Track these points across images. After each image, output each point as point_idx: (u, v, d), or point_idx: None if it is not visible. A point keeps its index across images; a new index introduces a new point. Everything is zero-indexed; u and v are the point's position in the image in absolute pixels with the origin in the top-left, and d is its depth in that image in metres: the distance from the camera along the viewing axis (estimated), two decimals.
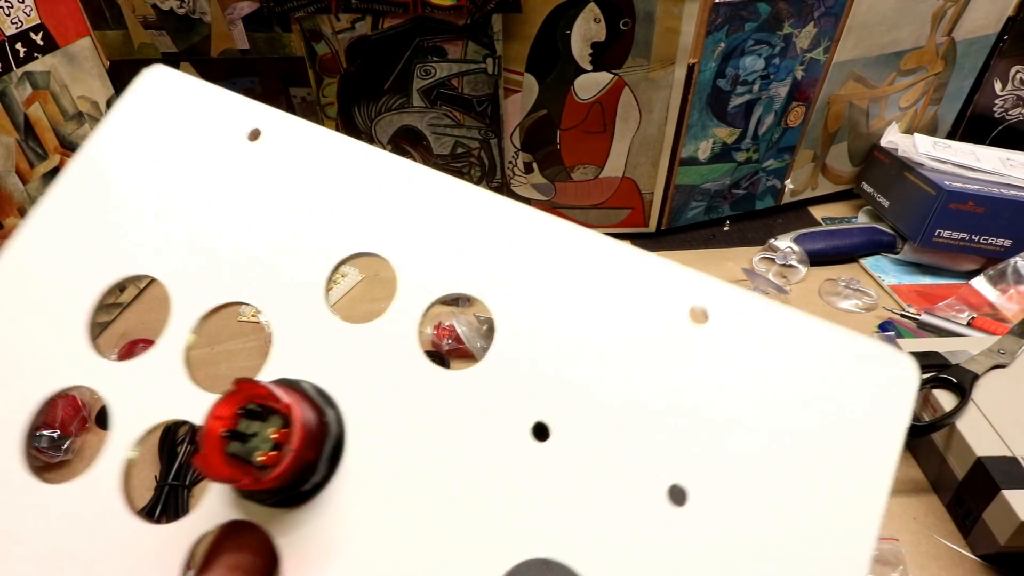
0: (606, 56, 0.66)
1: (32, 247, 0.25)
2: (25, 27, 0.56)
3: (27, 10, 0.57)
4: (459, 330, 0.59)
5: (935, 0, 0.70)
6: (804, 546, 0.19)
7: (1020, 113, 0.82)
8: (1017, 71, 0.79)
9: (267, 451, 0.18)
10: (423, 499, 0.20)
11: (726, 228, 0.82)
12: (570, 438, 0.20)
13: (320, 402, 0.21)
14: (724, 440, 0.20)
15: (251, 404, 0.18)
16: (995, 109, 0.83)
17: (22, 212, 0.56)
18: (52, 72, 0.59)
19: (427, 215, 0.25)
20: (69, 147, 0.61)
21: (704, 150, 0.74)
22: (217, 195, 0.25)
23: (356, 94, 0.69)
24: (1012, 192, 0.69)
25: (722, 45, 0.66)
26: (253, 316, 0.66)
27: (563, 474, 0.20)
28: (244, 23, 0.64)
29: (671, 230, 0.81)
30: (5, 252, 0.25)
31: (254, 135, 0.25)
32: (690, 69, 0.66)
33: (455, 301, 0.53)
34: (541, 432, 0.21)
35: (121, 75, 0.66)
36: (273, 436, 0.18)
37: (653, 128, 0.71)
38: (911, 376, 0.20)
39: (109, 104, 0.66)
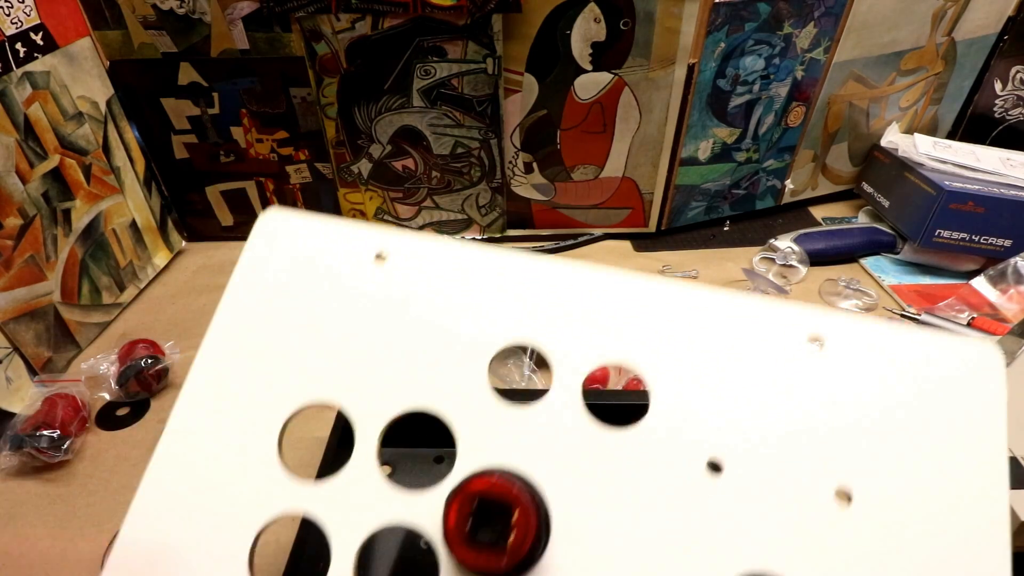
0: (606, 56, 0.66)
1: (201, 398, 0.27)
2: (25, 27, 0.56)
3: (27, 10, 0.57)
4: None
5: (935, 0, 0.70)
6: (946, 525, 0.22)
7: (1020, 113, 0.82)
8: (1017, 71, 0.79)
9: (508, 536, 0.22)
10: (628, 546, 0.23)
11: (726, 228, 0.82)
12: (741, 466, 0.24)
13: (525, 482, 0.24)
14: (866, 443, 0.23)
15: (480, 500, 0.22)
16: (995, 109, 0.83)
17: (22, 212, 0.56)
18: (52, 72, 0.59)
19: (559, 299, 0.27)
20: (69, 147, 0.61)
21: (704, 150, 0.74)
22: (363, 316, 0.28)
23: (356, 94, 0.69)
24: (1012, 192, 0.69)
25: (722, 45, 0.66)
26: None
27: (743, 497, 0.23)
28: (244, 23, 0.64)
29: (671, 230, 0.81)
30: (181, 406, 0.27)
31: (380, 257, 0.29)
32: (690, 69, 0.66)
33: None
34: (715, 468, 0.24)
35: (121, 75, 0.66)
36: (514, 522, 0.22)
37: (653, 128, 0.71)
38: (999, 360, 0.24)
39: (109, 104, 0.66)
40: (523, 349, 0.56)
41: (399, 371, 0.27)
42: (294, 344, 0.27)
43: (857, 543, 0.22)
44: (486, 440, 0.25)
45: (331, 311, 0.28)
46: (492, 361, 0.27)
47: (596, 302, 0.27)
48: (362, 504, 0.25)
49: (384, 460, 0.46)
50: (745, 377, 0.25)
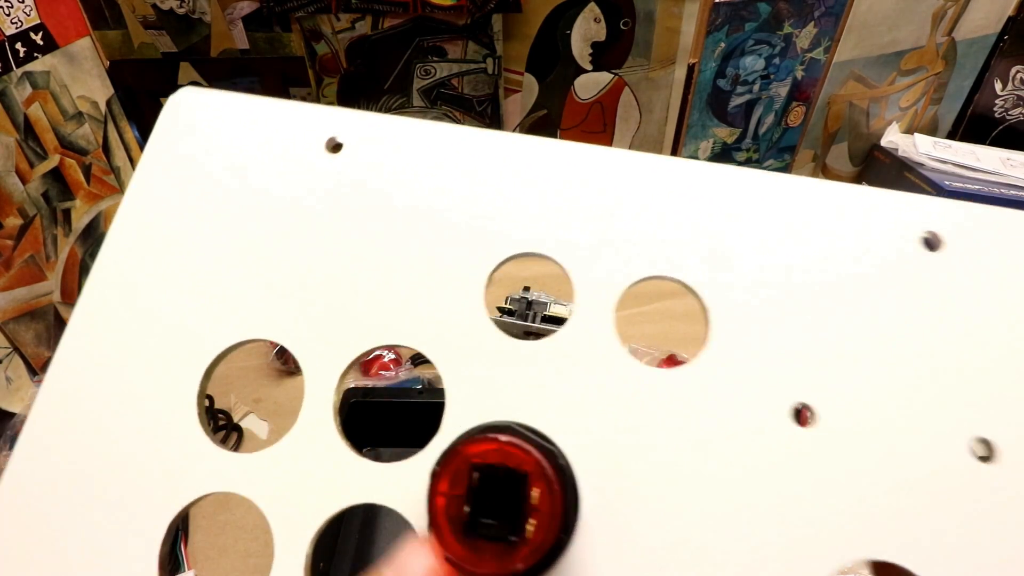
0: (606, 56, 0.66)
1: (112, 308, 0.20)
2: (25, 27, 0.56)
3: (27, 10, 0.57)
4: None
5: (935, 0, 0.70)
6: None
7: (1020, 113, 0.82)
8: (1017, 71, 0.79)
9: (526, 521, 0.15)
10: (687, 530, 0.17)
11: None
12: (841, 412, 0.17)
13: (544, 443, 0.16)
14: (1006, 375, 0.17)
15: (480, 469, 0.15)
16: (995, 109, 0.83)
17: (22, 212, 0.56)
18: (52, 72, 0.59)
19: (577, 193, 0.20)
20: (69, 147, 0.61)
21: (704, 150, 0.74)
22: (313, 223, 0.20)
23: (356, 94, 0.69)
24: (1012, 192, 0.68)
25: (722, 45, 0.66)
26: None
27: (844, 452, 0.17)
28: (244, 23, 0.64)
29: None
30: (81, 319, 0.20)
31: (334, 146, 0.21)
32: (690, 69, 0.66)
33: None
34: (803, 415, 0.18)
35: (121, 75, 0.66)
36: (534, 500, 0.15)
37: (653, 128, 0.71)
38: None
39: (109, 104, 0.66)
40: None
41: (362, 297, 0.19)
42: (219, 264, 0.20)
43: (1004, 508, 0.17)
44: (486, 387, 0.18)
45: (269, 217, 0.20)
46: (489, 281, 0.20)
47: (627, 196, 0.20)
48: (317, 480, 0.18)
49: (383, 460, 0.46)
50: (837, 293, 0.18)
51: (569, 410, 0.18)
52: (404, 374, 0.58)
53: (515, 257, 0.20)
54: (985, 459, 0.17)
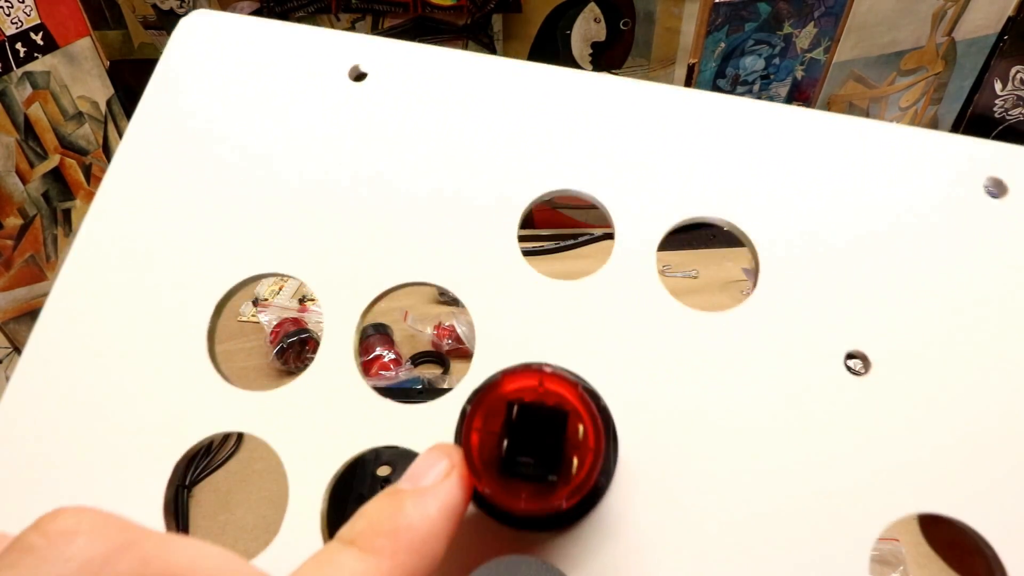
0: (606, 56, 0.66)
1: (119, 243, 0.19)
2: (25, 27, 0.56)
3: (27, 10, 0.57)
4: (459, 330, 0.59)
5: (935, 0, 0.70)
6: None
7: (1020, 113, 0.82)
8: (1017, 71, 0.79)
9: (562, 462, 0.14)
10: (725, 474, 0.16)
11: (726, 228, 0.82)
12: (896, 362, 0.17)
13: (585, 384, 0.15)
14: None
15: (519, 405, 0.14)
16: (995, 109, 0.83)
17: (22, 212, 0.56)
18: (52, 72, 0.59)
19: (616, 130, 0.19)
20: (69, 147, 0.62)
21: None
22: (336, 158, 0.19)
23: None
24: None
25: (722, 45, 0.66)
26: (253, 316, 0.66)
27: (899, 404, 0.16)
28: None
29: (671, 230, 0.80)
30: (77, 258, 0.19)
31: (357, 75, 0.20)
32: (690, 69, 0.66)
33: (455, 301, 0.53)
34: (856, 362, 0.17)
35: (121, 75, 0.66)
36: (580, 438, 0.14)
37: None
38: None
39: (109, 104, 0.66)
40: None
41: (387, 234, 0.18)
42: (233, 195, 0.19)
43: None
44: (519, 328, 0.17)
45: (289, 149, 0.19)
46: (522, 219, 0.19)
47: (672, 134, 0.19)
48: (336, 420, 0.17)
49: (383, 460, 0.46)
50: (892, 239, 0.18)
51: (608, 353, 0.17)
52: (404, 374, 0.58)
53: (551, 195, 0.19)
54: None
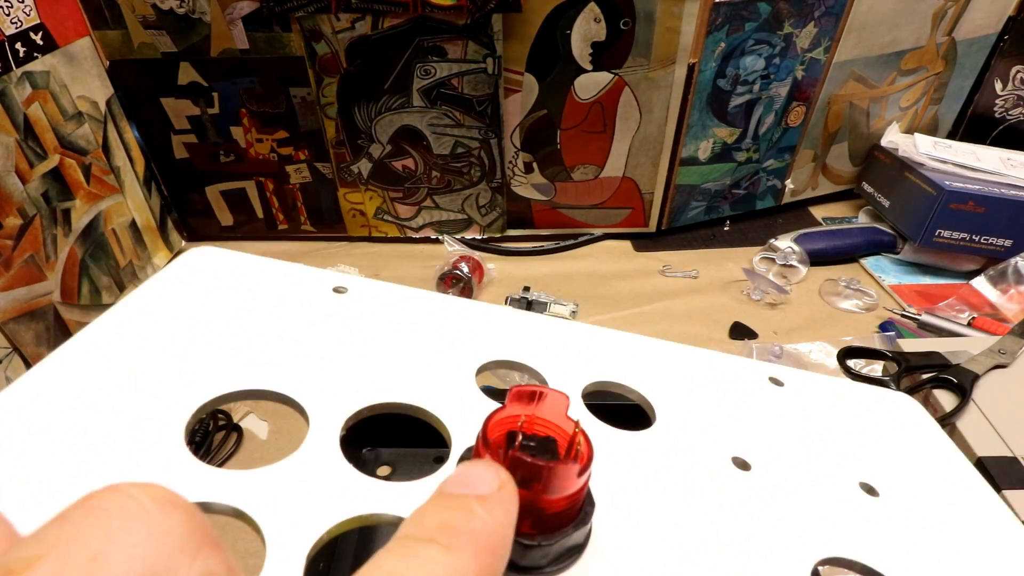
0: (606, 56, 0.66)
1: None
2: (25, 27, 0.56)
3: (27, 10, 0.56)
4: None
5: (935, 0, 0.70)
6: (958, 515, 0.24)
7: (1021, 113, 0.82)
8: (1018, 71, 0.79)
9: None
10: (676, 546, 0.21)
11: (726, 228, 0.82)
12: (766, 465, 0.24)
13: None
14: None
15: (524, 437, 0.17)
16: (995, 109, 0.83)
17: (22, 212, 0.56)
18: (52, 72, 0.59)
19: (541, 336, 0.27)
20: (69, 147, 0.61)
21: (704, 150, 0.74)
22: (321, 336, 0.24)
23: (356, 94, 0.69)
24: (1012, 192, 0.68)
25: (722, 45, 0.66)
26: None
27: (770, 494, 0.23)
28: (244, 23, 0.64)
29: (671, 230, 0.81)
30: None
31: (338, 291, 0.26)
32: (690, 69, 0.66)
33: None
34: (742, 465, 0.24)
35: (121, 75, 0.66)
36: (577, 440, 0.17)
37: (653, 128, 0.71)
38: (917, 409, 0.30)
39: (109, 104, 0.66)
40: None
41: (368, 368, 0.23)
42: (227, 341, 0.23)
43: (886, 531, 0.23)
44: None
45: (281, 330, 0.24)
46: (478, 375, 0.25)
47: (575, 343, 0.27)
48: (316, 495, 0.18)
49: (383, 460, 0.46)
50: (727, 408, 0.27)
51: None
52: None
53: (495, 362, 0.25)
54: (872, 495, 0.25)
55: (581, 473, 0.16)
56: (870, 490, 0.24)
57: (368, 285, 0.27)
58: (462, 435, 0.21)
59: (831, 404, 0.29)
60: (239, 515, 0.17)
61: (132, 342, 0.22)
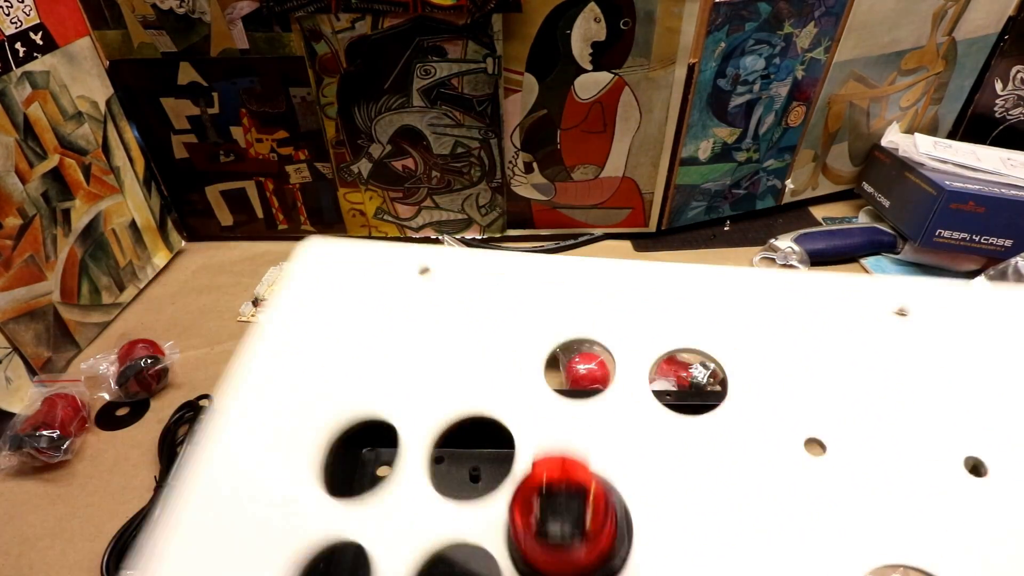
0: (606, 56, 0.66)
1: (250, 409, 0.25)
2: (25, 27, 0.56)
3: (27, 10, 0.56)
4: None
5: (935, 0, 0.70)
6: None
7: (1021, 113, 0.82)
8: (1018, 71, 0.79)
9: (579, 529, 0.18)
10: (727, 546, 0.20)
11: (726, 228, 0.82)
12: (846, 443, 0.22)
13: (595, 474, 0.20)
14: (987, 409, 0.22)
15: (550, 487, 0.18)
16: (996, 109, 0.82)
17: (21, 212, 0.56)
18: (52, 72, 0.59)
19: (612, 294, 0.27)
20: (68, 147, 0.61)
21: (704, 150, 0.74)
22: (412, 328, 0.27)
23: (356, 94, 0.69)
24: (1013, 192, 0.68)
25: (722, 45, 0.66)
26: (252, 316, 0.66)
27: (853, 477, 0.21)
28: (244, 23, 0.64)
29: (671, 230, 0.81)
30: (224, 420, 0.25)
31: (424, 271, 0.29)
32: (690, 69, 0.66)
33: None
34: (817, 447, 0.22)
35: (121, 75, 0.66)
36: (588, 512, 0.18)
37: (653, 128, 0.71)
38: None
39: (109, 104, 0.66)
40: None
41: (450, 379, 0.25)
42: (337, 362, 0.26)
43: (994, 520, 0.20)
44: (547, 440, 0.23)
45: (378, 325, 0.27)
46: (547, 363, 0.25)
47: (653, 294, 0.26)
48: (414, 523, 0.22)
49: (383, 460, 0.46)
50: (830, 353, 0.23)
51: (617, 455, 0.22)
52: None
53: (567, 340, 0.26)
54: (978, 475, 0.21)
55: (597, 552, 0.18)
56: (976, 468, 0.21)
57: (453, 258, 0.29)
58: (526, 437, 0.23)
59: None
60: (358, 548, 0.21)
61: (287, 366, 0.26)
